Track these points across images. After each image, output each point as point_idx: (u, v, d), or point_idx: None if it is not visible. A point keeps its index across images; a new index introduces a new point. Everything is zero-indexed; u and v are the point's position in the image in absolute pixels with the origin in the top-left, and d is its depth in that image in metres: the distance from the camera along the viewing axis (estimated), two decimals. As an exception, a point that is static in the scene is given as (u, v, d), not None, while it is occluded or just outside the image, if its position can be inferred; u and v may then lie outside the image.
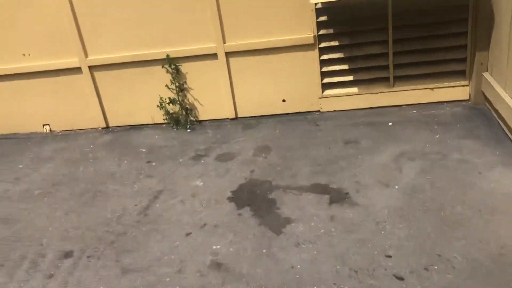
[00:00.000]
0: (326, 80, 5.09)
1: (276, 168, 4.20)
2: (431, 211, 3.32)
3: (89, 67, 5.36)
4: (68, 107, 5.65)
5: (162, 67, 5.20)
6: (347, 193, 3.67)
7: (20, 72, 5.52)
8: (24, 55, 5.45)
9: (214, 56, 5.10)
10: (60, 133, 5.77)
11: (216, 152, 4.69)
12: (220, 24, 4.95)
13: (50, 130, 5.83)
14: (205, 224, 3.56)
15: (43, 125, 5.83)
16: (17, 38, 5.37)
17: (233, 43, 5.03)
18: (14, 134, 5.89)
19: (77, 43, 5.25)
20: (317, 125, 4.96)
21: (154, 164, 4.64)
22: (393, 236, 3.13)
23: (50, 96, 5.62)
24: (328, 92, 5.15)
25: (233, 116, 5.38)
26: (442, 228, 3.14)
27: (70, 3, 5.09)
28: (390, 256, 2.95)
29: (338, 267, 2.94)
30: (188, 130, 5.30)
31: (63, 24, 5.19)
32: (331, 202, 3.60)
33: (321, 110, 5.23)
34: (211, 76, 5.21)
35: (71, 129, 5.78)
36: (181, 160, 4.64)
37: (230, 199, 3.86)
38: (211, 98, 5.33)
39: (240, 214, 3.63)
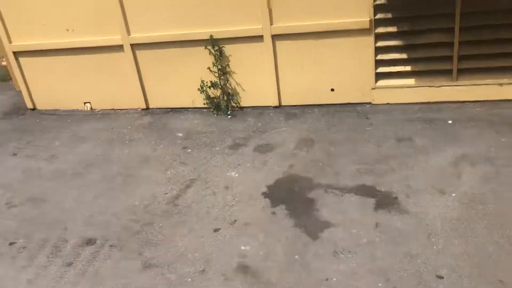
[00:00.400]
0: (381, 69, 4.67)
1: (318, 164, 3.85)
2: (493, 226, 2.91)
3: (131, 45, 5.18)
4: (109, 86, 5.52)
5: (205, 48, 4.92)
6: (396, 198, 3.29)
7: (63, 47, 5.43)
8: (68, 30, 5.33)
9: (259, 38, 4.76)
10: (100, 112, 5.65)
11: (255, 142, 4.39)
12: (267, 3, 4.59)
13: (91, 108, 5.73)
14: (235, 221, 3.28)
15: (84, 103, 5.73)
16: (62, 12, 5.25)
17: (281, 25, 4.67)
18: (55, 110, 5.83)
19: (120, 20, 5.07)
20: (367, 118, 4.55)
21: (189, 150, 4.40)
22: (446, 252, 2.74)
23: (92, 74, 5.50)
24: (382, 82, 4.71)
25: (276, 104, 5.05)
26: (506, 248, 2.72)
27: (114, -22, 4.92)
28: (442, 277, 2.57)
29: (380, 284, 2.58)
30: (229, 116, 5.02)
31: (108, 0, 5.01)
32: (377, 207, 3.23)
33: (373, 102, 4.80)
34: (256, 60, 4.88)
35: (112, 108, 5.65)
36: (218, 148, 4.38)
37: (265, 194, 3.55)
38: (254, 84, 5.02)
39: (274, 213, 3.32)
